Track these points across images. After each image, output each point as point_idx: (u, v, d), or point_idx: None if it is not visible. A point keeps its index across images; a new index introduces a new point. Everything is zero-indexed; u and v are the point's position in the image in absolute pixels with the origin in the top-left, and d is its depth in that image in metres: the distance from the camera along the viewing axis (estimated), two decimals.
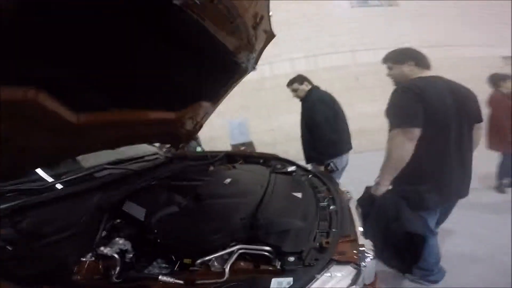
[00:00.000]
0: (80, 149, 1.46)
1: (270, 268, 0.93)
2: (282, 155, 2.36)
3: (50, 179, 1.40)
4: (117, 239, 1.04)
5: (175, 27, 1.08)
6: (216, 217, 1.20)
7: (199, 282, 0.87)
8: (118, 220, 1.23)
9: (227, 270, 0.89)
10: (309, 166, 2.45)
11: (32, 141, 1.10)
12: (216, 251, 0.97)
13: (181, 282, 0.87)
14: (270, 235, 1.05)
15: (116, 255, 0.95)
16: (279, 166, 2.13)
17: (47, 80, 1.00)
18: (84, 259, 0.95)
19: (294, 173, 1.96)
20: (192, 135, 2.35)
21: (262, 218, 1.15)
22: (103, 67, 1.15)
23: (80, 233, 1.04)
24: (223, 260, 0.95)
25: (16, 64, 0.89)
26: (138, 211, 1.26)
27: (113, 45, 1.08)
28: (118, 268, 0.92)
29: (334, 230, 1.12)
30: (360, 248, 0.99)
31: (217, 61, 1.55)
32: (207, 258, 0.95)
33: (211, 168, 2.20)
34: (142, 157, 2.24)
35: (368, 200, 1.70)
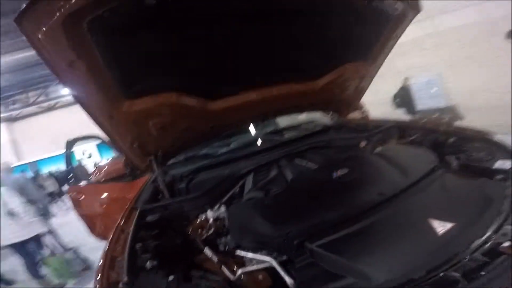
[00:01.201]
0: (229, 125, 1.85)
1: None
2: None
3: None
4: (221, 207, 1.31)
5: None
6: (275, 221, 1.03)
7: (223, 268, 0.96)
8: (238, 190, 1.47)
9: (239, 272, 0.92)
10: None
11: (189, 124, 1.57)
12: (254, 252, 0.98)
13: (215, 260, 0.99)
14: (309, 268, 0.83)
15: (211, 220, 1.25)
16: (476, 155, 1.27)
17: (185, 83, 1.36)
18: (200, 217, 1.23)
19: (498, 176, 1.12)
20: (353, 101, 2.19)
21: (318, 245, 0.86)
22: (235, 58, 1.34)
23: (205, 196, 1.33)
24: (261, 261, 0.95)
25: (163, 76, 1.29)
26: (249, 186, 1.49)
27: (248, 37, 1.23)
28: (206, 231, 1.17)
29: None
30: None
31: (346, 13, 1.31)
32: (242, 253, 1.00)
33: (363, 143, 1.93)
34: (301, 124, 2.41)
35: None
